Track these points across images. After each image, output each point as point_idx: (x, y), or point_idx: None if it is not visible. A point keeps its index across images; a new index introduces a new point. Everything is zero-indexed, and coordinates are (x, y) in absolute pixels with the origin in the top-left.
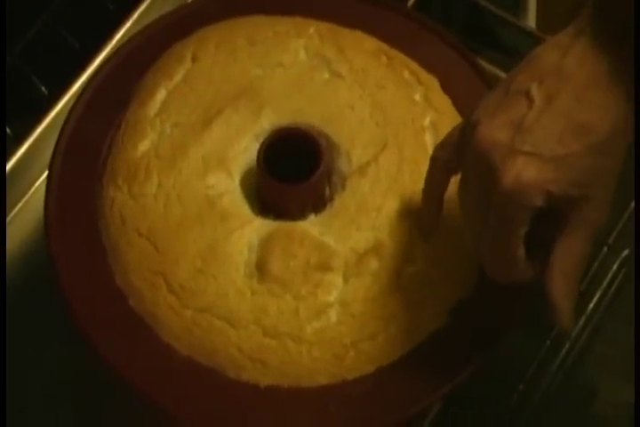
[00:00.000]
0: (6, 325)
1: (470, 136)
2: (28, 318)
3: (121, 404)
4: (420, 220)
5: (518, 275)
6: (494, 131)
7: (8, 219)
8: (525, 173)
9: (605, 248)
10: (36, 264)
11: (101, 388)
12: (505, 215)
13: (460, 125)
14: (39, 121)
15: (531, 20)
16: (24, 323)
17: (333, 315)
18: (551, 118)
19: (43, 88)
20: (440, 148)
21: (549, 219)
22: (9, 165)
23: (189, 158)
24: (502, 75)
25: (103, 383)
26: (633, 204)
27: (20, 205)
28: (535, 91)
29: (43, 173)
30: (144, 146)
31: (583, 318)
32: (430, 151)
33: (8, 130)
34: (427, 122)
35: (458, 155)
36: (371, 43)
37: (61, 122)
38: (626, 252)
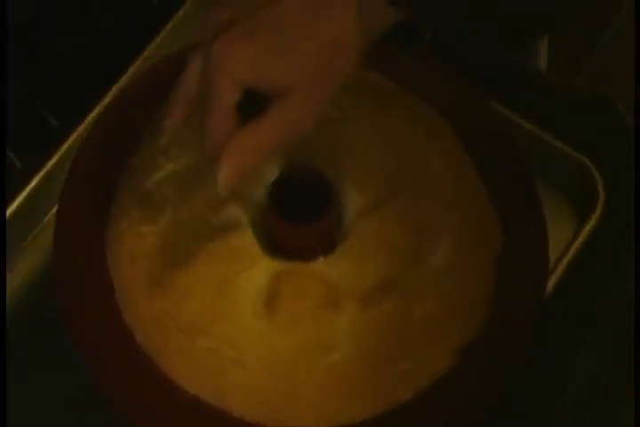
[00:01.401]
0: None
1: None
2: (33, 351)
3: None
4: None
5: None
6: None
7: (18, 249)
8: (231, 41)
9: None
10: (42, 299)
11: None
12: (209, 86)
13: None
14: (50, 154)
15: (542, 62)
16: (30, 356)
17: (342, 355)
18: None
19: (53, 120)
20: None
21: None
22: (19, 199)
23: (200, 195)
24: (512, 116)
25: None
26: None
27: (28, 239)
28: None
29: (52, 207)
30: (155, 181)
31: None
32: (443, 190)
33: (18, 162)
34: (437, 161)
35: None
36: (381, 83)
37: (72, 155)
38: None
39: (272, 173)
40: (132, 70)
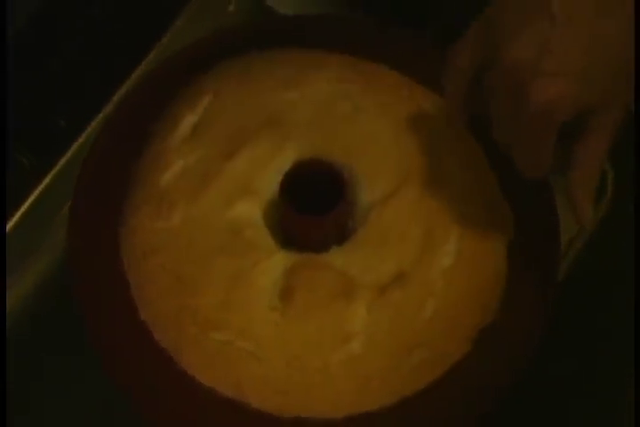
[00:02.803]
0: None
1: (495, 52)
2: (51, 351)
3: None
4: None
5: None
6: (520, 51)
7: (29, 249)
8: (553, 90)
9: None
10: (57, 296)
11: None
12: (536, 129)
13: (476, 36)
14: (61, 153)
15: None
16: (47, 354)
17: (357, 346)
18: (574, 34)
19: (62, 121)
20: (457, 55)
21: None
22: (31, 197)
23: (213, 190)
24: None
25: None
26: None
27: (42, 237)
28: (556, 7)
29: (65, 205)
30: (167, 178)
31: None
32: (456, 180)
33: (27, 162)
34: (448, 151)
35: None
36: (392, 76)
37: (80, 156)
38: None
39: (283, 165)
40: (139, 70)
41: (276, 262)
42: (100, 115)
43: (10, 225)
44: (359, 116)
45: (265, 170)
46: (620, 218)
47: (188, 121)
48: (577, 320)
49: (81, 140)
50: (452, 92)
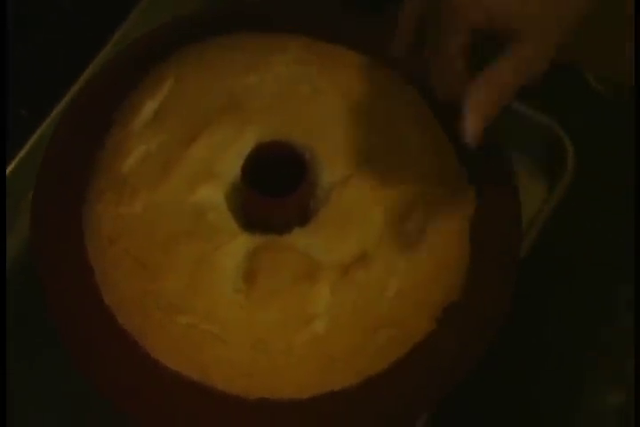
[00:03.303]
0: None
1: None
2: (31, 319)
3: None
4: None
5: (456, 88)
6: None
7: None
8: None
9: None
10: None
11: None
12: (444, 33)
13: None
14: (21, 144)
15: None
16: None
17: (321, 327)
18: None
19: (22, 111)
20: None
21: None
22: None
23: (175, 175)
24: None
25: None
26: None
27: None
28: None
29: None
30: (129, 164)
31: None
32: (416, 159)
33: None
34: (408, 130)
35: None
36: (349, 56)
37: (44, 144)
38: None
39: (245, 148)
40: (99, 58)
41: (239, 245)
42: (61, 103)
43: None
44: (318, 98)
45: (226, 153)
46: (581, 196)
47: (149, 107)
48: (538, 299)
49: (42, 129)
50: (406, 14)
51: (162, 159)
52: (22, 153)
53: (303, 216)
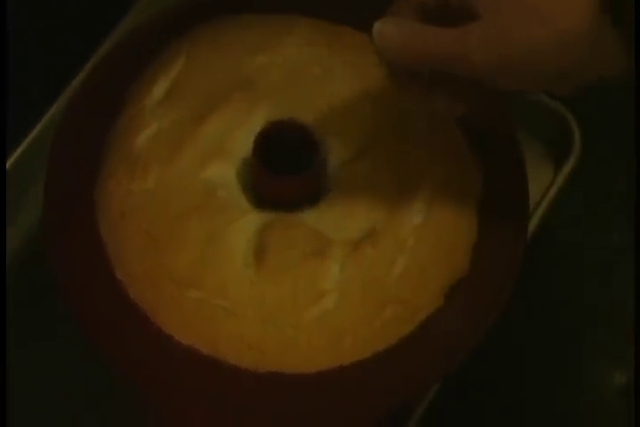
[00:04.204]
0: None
1: None
2: (31, 313)
3: (123, 395)
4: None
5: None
6: None
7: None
8: None
9: None
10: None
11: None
12: None
13: None
14: (35, 121)
15: None
16: (27, 318)
17: (331, 302)
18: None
19: (34, 89)
20: None
21: None
22: (8, 164)
23: (187, 152)
24: None
25: (107, 375)
26: None
27: (20, 201)
28: None
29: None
30: (141, 140)
31: None
32: (425, 139)
33: None
34: (417, 110)
35: None
36: (359, 37)
37: (58, 121)
38: None
39: (256, 126)
40: (112, 36)
41: (249, 221)
42: (74, 81)
43: None
44: (328, 78)
45: (238, 131)
46: (588, 177)
47: (162, 85)
48: (542, 280)
49: (54, 108)
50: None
51: (174, 136)
52: (36, 130)
53: (313, 194)
